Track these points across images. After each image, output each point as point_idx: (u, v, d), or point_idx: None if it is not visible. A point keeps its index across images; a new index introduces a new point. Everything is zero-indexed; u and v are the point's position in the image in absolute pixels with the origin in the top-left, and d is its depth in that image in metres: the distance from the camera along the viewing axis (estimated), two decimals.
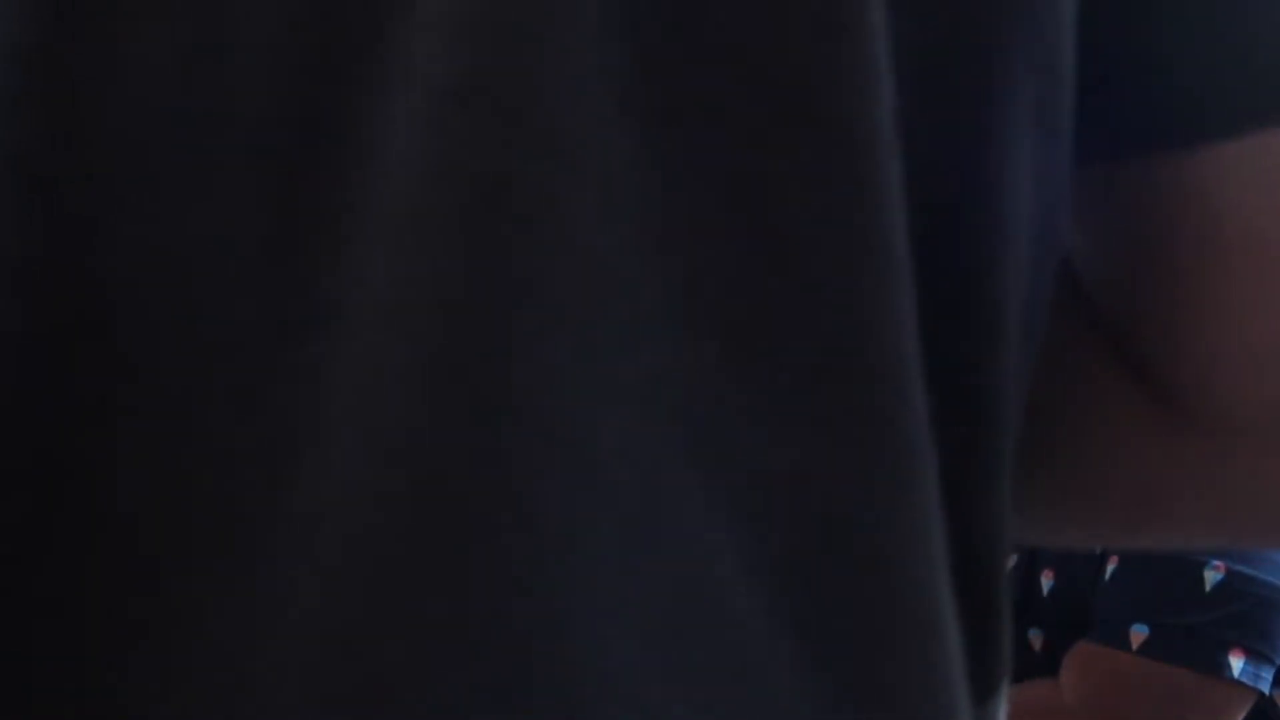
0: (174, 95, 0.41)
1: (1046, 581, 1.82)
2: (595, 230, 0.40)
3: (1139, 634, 1.70)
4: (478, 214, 0.39)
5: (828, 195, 0.42)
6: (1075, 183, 0.52)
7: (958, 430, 0.45)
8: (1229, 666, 1.68)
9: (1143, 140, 0.52)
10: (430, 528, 0.39)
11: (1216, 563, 1.71)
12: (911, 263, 0.43)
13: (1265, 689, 1.71)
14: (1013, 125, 0.46)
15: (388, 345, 0.39)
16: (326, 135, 0.41)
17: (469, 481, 0.39)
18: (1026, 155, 0.47)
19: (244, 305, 0.40)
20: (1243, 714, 1.71)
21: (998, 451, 0.48)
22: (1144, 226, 0.53)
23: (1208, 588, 1.71)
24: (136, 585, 0.40)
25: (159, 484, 0.40)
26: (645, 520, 0.40)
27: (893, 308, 0.42)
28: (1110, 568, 1.76)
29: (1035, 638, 1.82)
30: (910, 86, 0.43)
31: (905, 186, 0.43)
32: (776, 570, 0.41)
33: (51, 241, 0.40)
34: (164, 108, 0.41)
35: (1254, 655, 1.69)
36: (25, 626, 0.39)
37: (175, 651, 0.39)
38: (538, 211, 0.40)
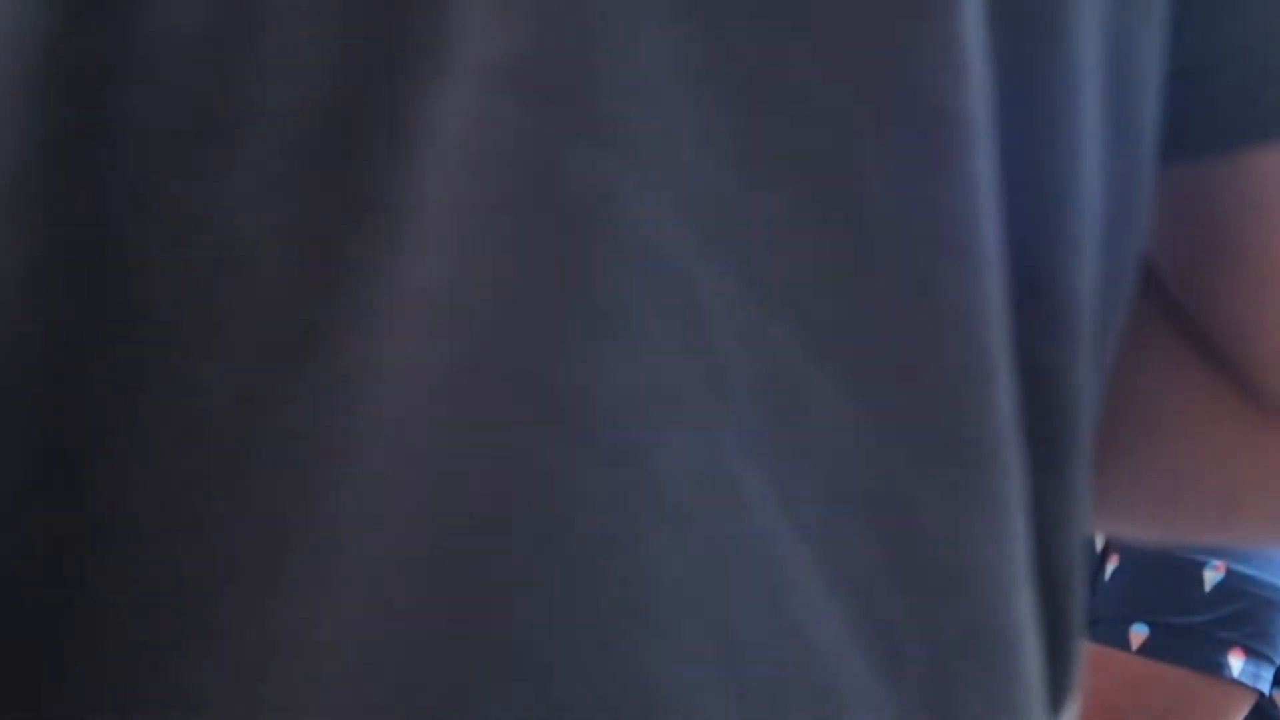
0: (197, 80, 0.38)
1: None
2: (658, 224, 0.37)
3: (1139, 634, 1.69)
4: (528, 208, 0.37)
5: (916, 182, 0.39)
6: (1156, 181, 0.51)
7: (1038, 438, 0.43)
8: (1229, 666, 1.68)
9: (1217, 139, 0.51)
10: (466, 550, 0.36)
11: (1216, 562, 1.70)
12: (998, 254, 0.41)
13: (1265, 689, 1.70)
14: (1083, 111, 0.44)
15: (425, 348, 0.37)
16: (366, 126, 0.38)
17: (507, 498, 0.36)
18: (1098, 143, 0.45)
19: (273, 308, 0.38)
20: (1243, 714, 1.70)
21: (1076, 459, 0.46)
22: (1218, 224, 0.52)
23: (1208, 587, 1.70)
24: (148, 598, 0.37)
25: (180, 493, 0.37)
26: (715, 541, 0.37)
27: (982, 303, 0.40)
28: (1110, 567, 1.75)
29: None
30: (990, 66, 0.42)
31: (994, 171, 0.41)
32: (855, 588, 0.39)
33: (69, 241, 0.38)
34: (186, 94, 0.38)
35: (1254, 655, 1.69)
36: (32, 641, 0.37)
37: (187, 670, 0.36)
38: (593, 205, 0.37)
